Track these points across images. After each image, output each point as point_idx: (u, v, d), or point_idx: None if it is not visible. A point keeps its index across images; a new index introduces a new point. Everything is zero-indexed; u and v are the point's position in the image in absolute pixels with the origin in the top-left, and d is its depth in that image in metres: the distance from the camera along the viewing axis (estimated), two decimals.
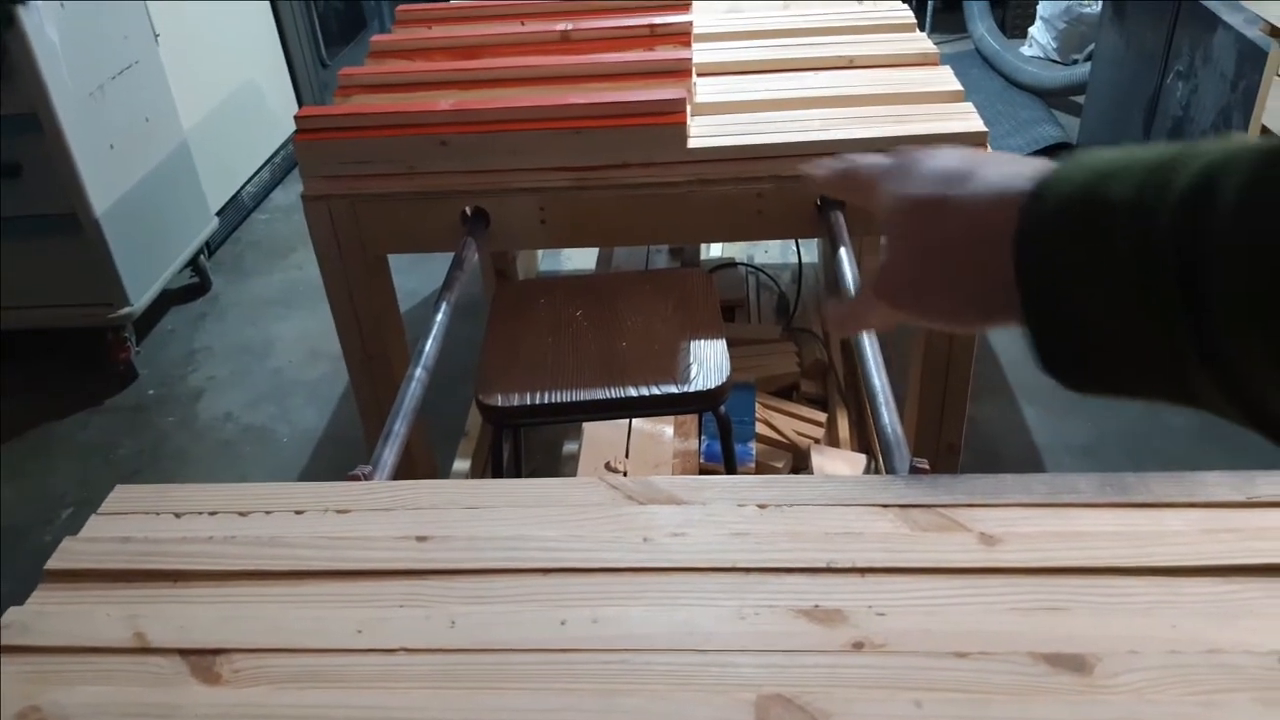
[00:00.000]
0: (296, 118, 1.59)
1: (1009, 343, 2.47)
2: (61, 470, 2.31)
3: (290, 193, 3.58)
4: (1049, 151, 3.38)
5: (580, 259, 2.98)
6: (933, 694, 0.69)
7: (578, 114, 1.54)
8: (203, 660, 0.77)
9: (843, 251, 1.37)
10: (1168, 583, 0.78)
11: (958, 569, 0.80)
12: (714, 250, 2.86)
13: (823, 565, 0.81)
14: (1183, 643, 0.72)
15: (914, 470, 0.95)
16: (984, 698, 0.69)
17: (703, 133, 1.55)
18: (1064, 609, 0.76)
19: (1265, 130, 2.11)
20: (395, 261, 1.71)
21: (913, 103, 1.61)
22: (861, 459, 2.03)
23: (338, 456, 2.23)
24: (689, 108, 1.56)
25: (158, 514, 0.93)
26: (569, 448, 2.14)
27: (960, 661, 0.72)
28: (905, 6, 2.02)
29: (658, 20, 1.84)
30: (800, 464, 2.04)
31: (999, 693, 0.69)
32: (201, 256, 2.94)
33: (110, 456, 2.35)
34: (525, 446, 2.00)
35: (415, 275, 2.75)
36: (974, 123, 1.52)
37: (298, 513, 0.92)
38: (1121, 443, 2.11)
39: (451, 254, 1.49)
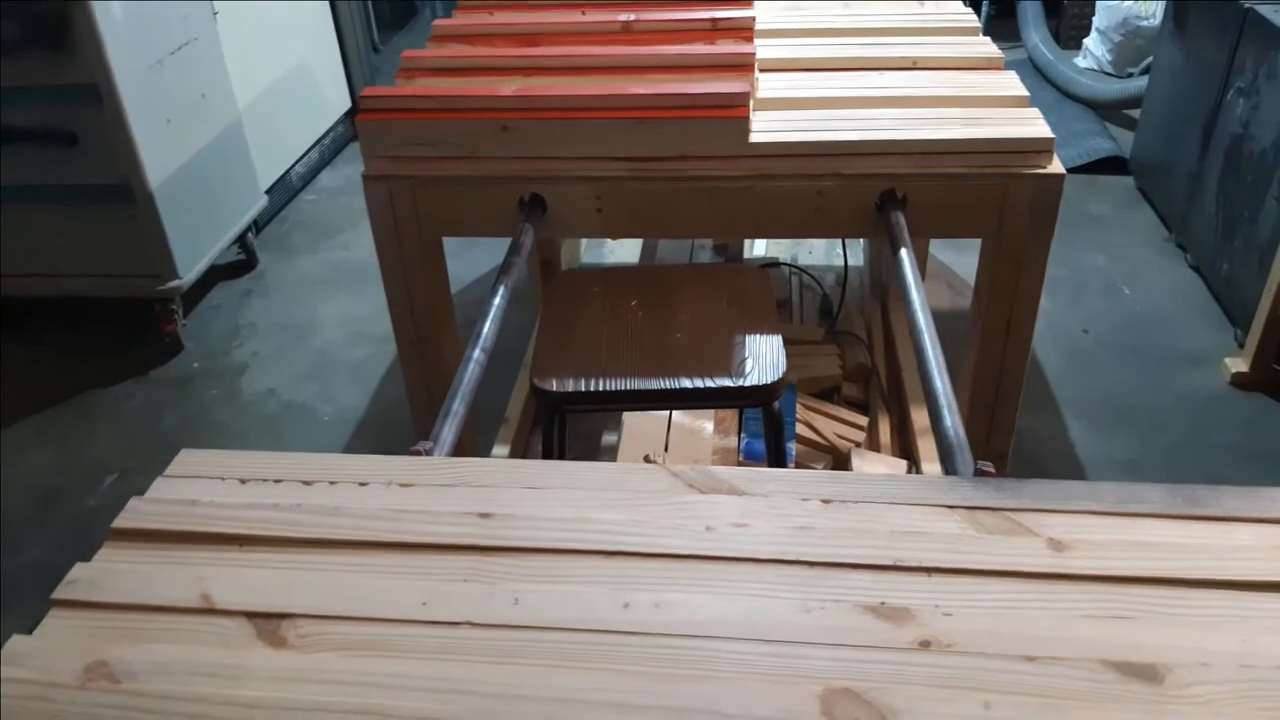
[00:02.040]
0: (360, 97, 1.60)
1: (1055, 355, 2.45)
2: (105, 438, 2.34)
3: (338, 175, 3.61)
4: (1101, 165, 3.34)
5: (623, 252, 2.98)
6: (1002, 696, 0.69)
7: (639, 104, 1.54)
8: (268, 624, 0.78)
9: (903, 252, 1.36)
10: (1238, 597, 0.77)
11: (1026, 573, 0.80)
12: (758, 249, 2.86)
13: (889, 563, 0.81)
14: (1254, 657, 0.71)
15: (979, 473, 0.94)
16: (1055, 703, 0.68)
17: (764, 128, 1.54)
18: (1133, 618, 0.75)
19: None
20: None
21: (977, 106, 1.59)
22: (902, 465, 2.02)
23: (380, 437, 2.24)
24: (751, 102, 1.55)
25: (223, 479, 0.94)
26: (608, 439, 2.14)
27: (1029, 665, 0.71)
28: (968, 10, 2.00)
29: (720, 14, 1.84)
30: (840, 467, 2.03)
31: (1069, 698, 0.68)
32: (250, 234, 2.96)
33: (154, 427, 2.38)
34: (567, 435, 2.00)
35: (458, 261, 2.76)
36: (1040, 128, 1.50)
37: (361, 484, 0.93)
38: (1167, 459, 2.08)
39: (503, 239, 1.49)
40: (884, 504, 0.87)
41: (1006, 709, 0.67)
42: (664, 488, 0.92)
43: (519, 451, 2.10)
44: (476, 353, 1.20)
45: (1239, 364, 2.34)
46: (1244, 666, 0.71)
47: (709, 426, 2.01)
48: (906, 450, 2.07)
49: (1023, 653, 0.72)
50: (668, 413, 1.99)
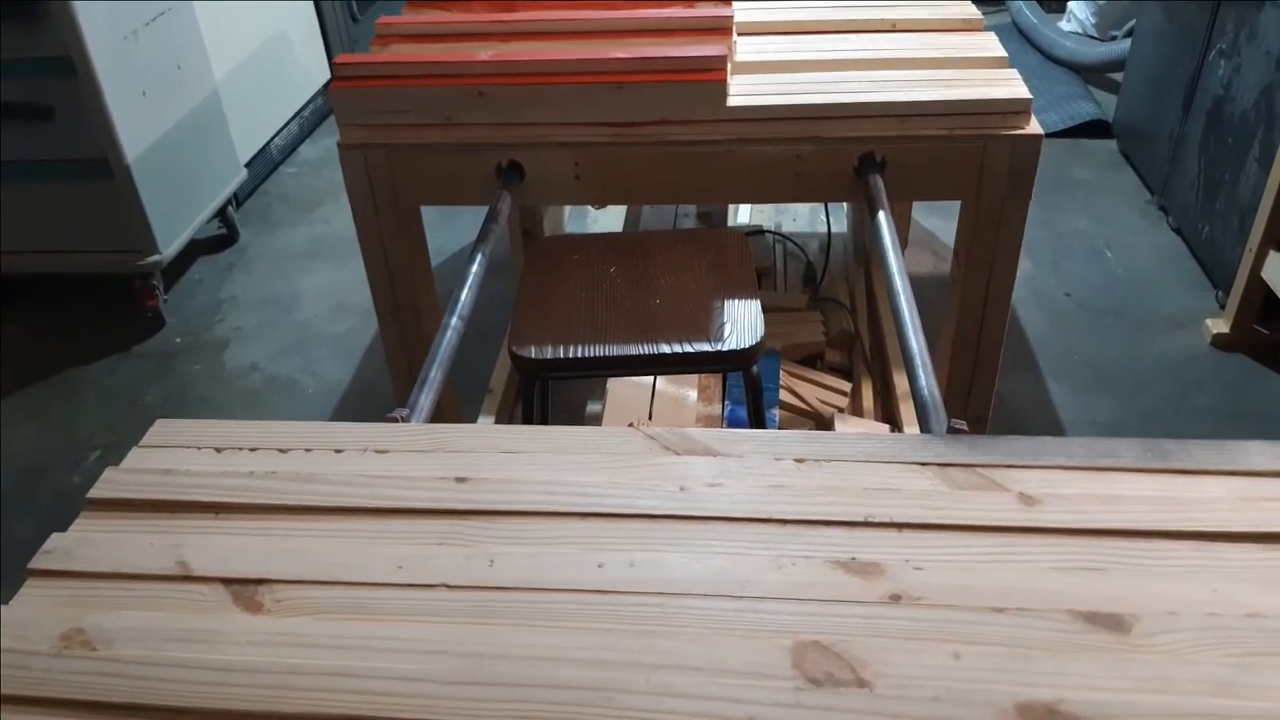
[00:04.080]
0: (334, 64, 1.59)
1: (1037, 318, 2.46)
2: (88, 414, 2.33)
3: (318, 147, 3.58)
4: (1085, 129, 3.33)
5: (606, 221, 2.97)
6: (971, 647, 0.69)
7: (617, 69, 1.53)
8: (245, 589, 0.78)
9: (881, 215, 1.36)
10: (1207, 548, 0.78)
11: (996, 527, 0.80)
12: (741, 217, 2.85)
13: (860, 519, 0.82)
14: (1221, 606, 0.72)
15: (952, 431, 0.94)
16: (1022, 652, 0.69)
17: (743, 91, 1.53)
18: (1103, 570, 0.76)
19: None
20: (423, 218, 1.70)
21: (956, 67, 1.58)
22: (884, 429, 2.03)
23: (363, 409, 2.24)
24: (729, 65, 1.55)
25: (198, 448, 0.94)
26: (592, 408, 2.14)
27: (998, 616, 0.72)
28: None
29: None
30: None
31: (1037, 648, 0.69)
32: (230, 208, 2.94)
33: (137, 402, 2.37)
34: (550, 405, 2.00)
35: (441, 232, 2.75)
36: (1018, 89, 1.50)
37: (337, 451, 0.93)
38: (1147, 421, 2.10)
39: (482, 209, 1.49)
40: (857, 462, 0.88)
41: (975, 659, 0.68)
42: (639, 450, 0.92)
43: (503, 421, 2.10)
44: (454, 320, 1.19)
45: (1220, 325, 2.35)
46: (1211, 615, 0.72)
47: (693, 394, 2.02)
48: (889, 415, 2.08)
49: (992, 604, 0.72)
50: (652, 380, 2.00)
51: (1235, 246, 2.34)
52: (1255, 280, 2.24)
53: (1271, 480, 0.84)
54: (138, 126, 2.47)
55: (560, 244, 1.62)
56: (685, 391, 2.00)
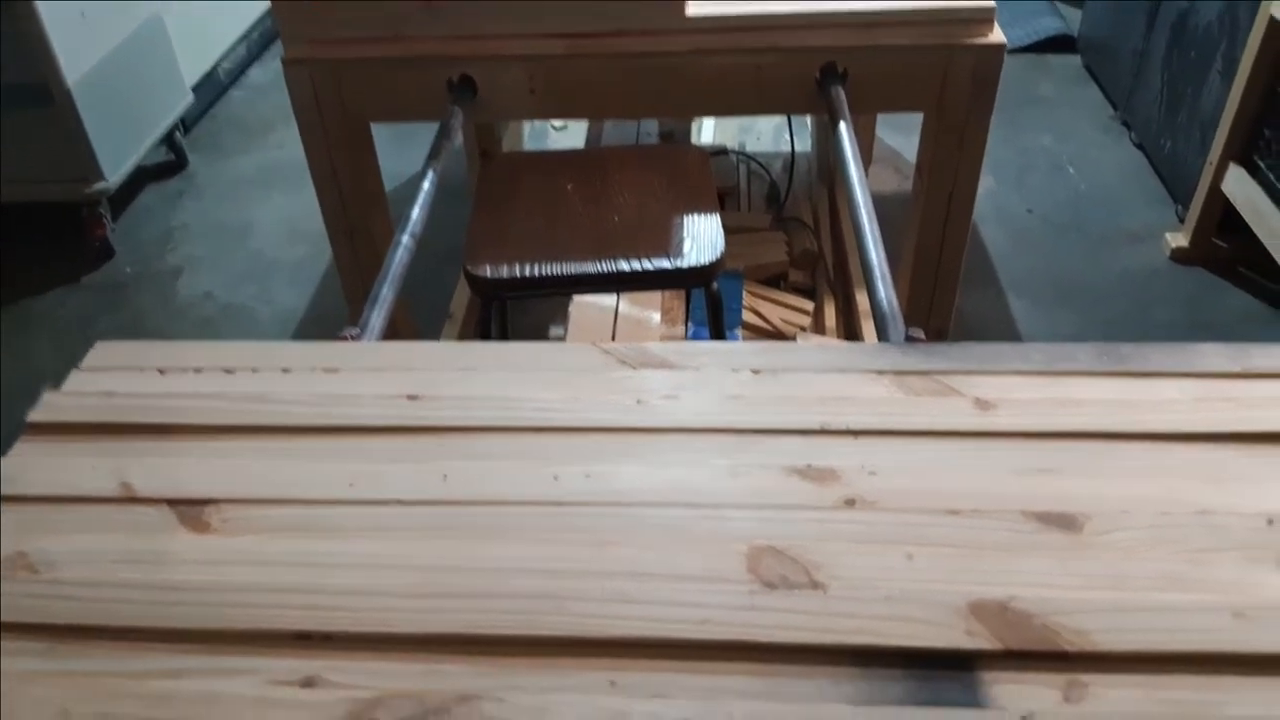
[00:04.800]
0: None
1: (999, 235, 2.45)
2: (40, 347, 2.28)
3: (268, 70, 3.47)
4: (1050, 44, 3.30)
5: (566, 142, 2.91)
6: (923, 549, 0.70)
7: None
8: (191, 510, 0.77)
9: (842, 126, 1.34)
10: (1160, 448, 0.78)
11: (951, 432, 0.80)
12: (705, 136, 2.80)
13: (816, 427, 0.81)
14: (1173, 504, 0.73)
15: (909, 340, 0.94)
16: (974, 552, 0.69)
17: (701, 0, 1.49)
18: (1056, 471, 0.76)
19: (1272, 22, 2.06)
20: (378, 143, 1.65)
21: None
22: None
23: (320, 337, 2.18)
24: None
25: (141, 370, 0.91)
26: (554, 332, 2.13)
27: (952, 519, 0.72)
28: None
29: None
30: None
31: (990, 548, 0.69)
32: (177, 133, 2.85)
33: (88, 333, 2.31)
34: (510, 329, 1.98)
35: (400, 158, 2.68)
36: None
37: (285, 371, 0.90)
38: (1107, 335, 2.11)
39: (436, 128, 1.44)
40: (813, 371, 0.87)
41: (928, 560, 0.68)
42: (595, 365, 0.91)
43: None
44: (404, 238, 1.16)
45: (1179, 239, 2.36)
46: (1163, 514, 0.72)
47: (655, 316, 2.00)
48: (851, 333, 2.08)
49: (945, 507, 0.72)
50: (614, 302, 1.98)
51: (1196, 160, 2.34)
52: (1215, 194, 2.24)
53: (1226, 381, 0.84)
54: (77, 49, 2.37)
55: (516, 161, 1.58)
56: (648, 313, 1.99)
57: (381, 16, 1.48)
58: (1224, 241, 2.32)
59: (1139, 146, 2.76)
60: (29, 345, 2.30)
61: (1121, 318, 2.19)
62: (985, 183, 1.57)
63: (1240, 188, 2.17)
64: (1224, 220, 2.28)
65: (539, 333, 2.11)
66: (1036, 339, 2.14)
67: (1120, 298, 2.25)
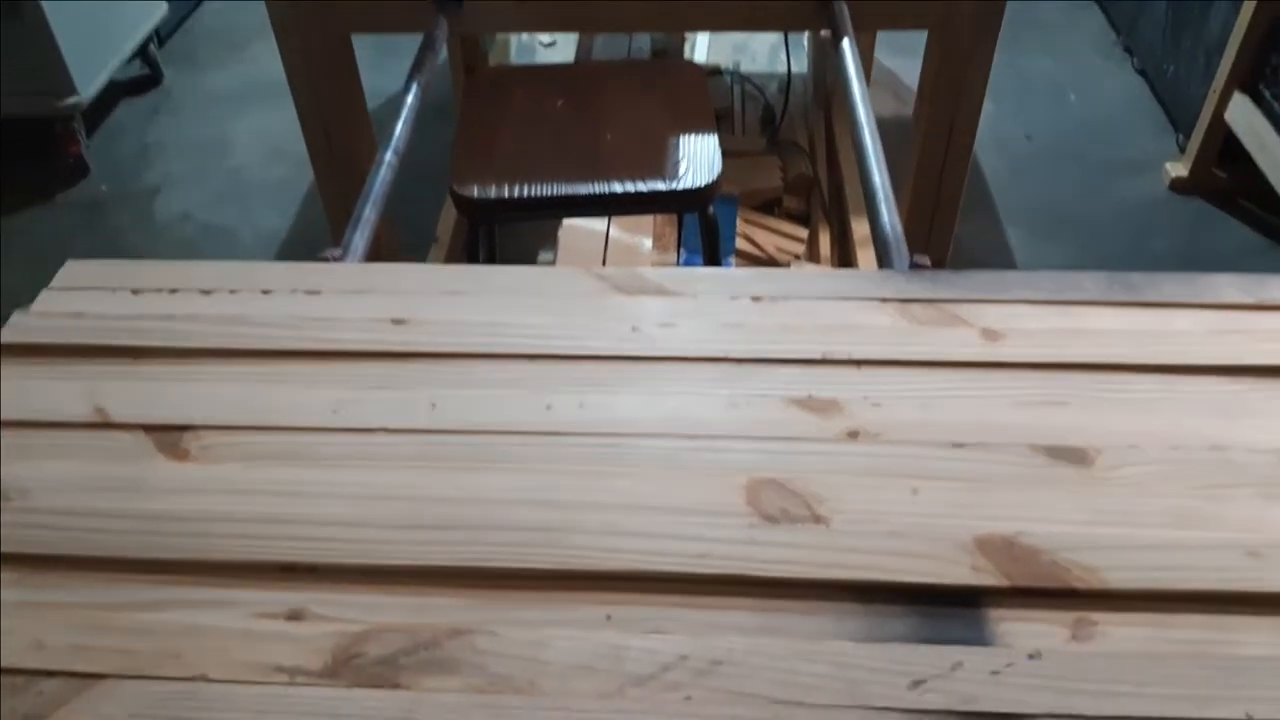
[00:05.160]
0: None
1: (997, 161, 2.41)
2: (13, 267, 2.22)
3: None
4: None
5: (556, 59, 2.82)
6: (929, 482, 0.67)
7: None
8: (168, 436, 0.74)
9: (845, 44, 1.28)
10: (1172, 380, 0.76)
11: (957, 362, 0.77)
12: (698, 55, 2.72)
13: (818, 357, 0.78)
14: (1185, 438, 0.71)
15: (914, 267, 0.91)
16: (982, 486, 0.67)
17: None
18: (1065, 403, 0.74)
19: None
20: (361, 58, 1.58)
21: None
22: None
23: (302, 259, 2.15)
24: None
25: (113, 290, 0.87)
26: (543, 257, 2.08)
27: (958, 452, 0.70)
28: None
29: None
30: None
31: (997, 482, 0.67)
32: (151, 46, 2.75)
33: (64, 254, 2.24)
34: (498, 255, 1.94)
35: (382, 73, 2.59)
36: None
37: (264, 293, 0.87)
38: (1105, 264, 2.07)
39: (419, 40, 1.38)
40: (815, 299, 0.84)
41: (933, 494, 0.66)
42: (589, 290, 0.88)
43: None
44: (388, 155, 1.12)
45: (1179, 169, 2.32)
46: (1174, 448, 0.70)
47: (647, 242, 1.96)
48: (846, 261, 2.05)
49: (951, 440, 0.70)
50: (605, 227, 1.93)
51: (1199, 87, 2.28)
52: (1217, 122, 2.20)
53: (1239, 313, 0.82)
54: None
55: (502, 75, 1.52)
56: (639, 239, 1.95)
57: None
58: (1224, 172, 2.28)
59: (1141, 73, 2.70)
60: (2, 264, 2.24)
61: (1118, 249, 2.16)
62: (984, 108, 1.52)
63: (1244, 116, 2.12)
64: (1225, 150, 2.24)
65: (527, 257, 2.07)
66: (1032, 268, 2.11)
67: (1117, 228, 2.22)
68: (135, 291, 0.87)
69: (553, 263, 1.93)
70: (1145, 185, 2.34)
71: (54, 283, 0.89)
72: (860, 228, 2.01)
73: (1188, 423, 0.72)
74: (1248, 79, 2.13)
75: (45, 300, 0.87)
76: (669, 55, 2.55)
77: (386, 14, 1.47)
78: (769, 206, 2.19)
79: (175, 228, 2.33)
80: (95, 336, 0.82)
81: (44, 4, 2.26)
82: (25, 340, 0.82)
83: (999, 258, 2.14)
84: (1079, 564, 0.61)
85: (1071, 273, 0.86)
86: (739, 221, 2.07)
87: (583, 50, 2.57)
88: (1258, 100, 2.10)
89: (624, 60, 2.40)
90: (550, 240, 1.98)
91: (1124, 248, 2.16)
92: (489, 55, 2.37)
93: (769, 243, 2.06)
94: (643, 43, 2.57)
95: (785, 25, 1.76)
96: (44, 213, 2.39)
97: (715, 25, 2.24)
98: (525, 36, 2.85)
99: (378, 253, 1.07)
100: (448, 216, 2.09)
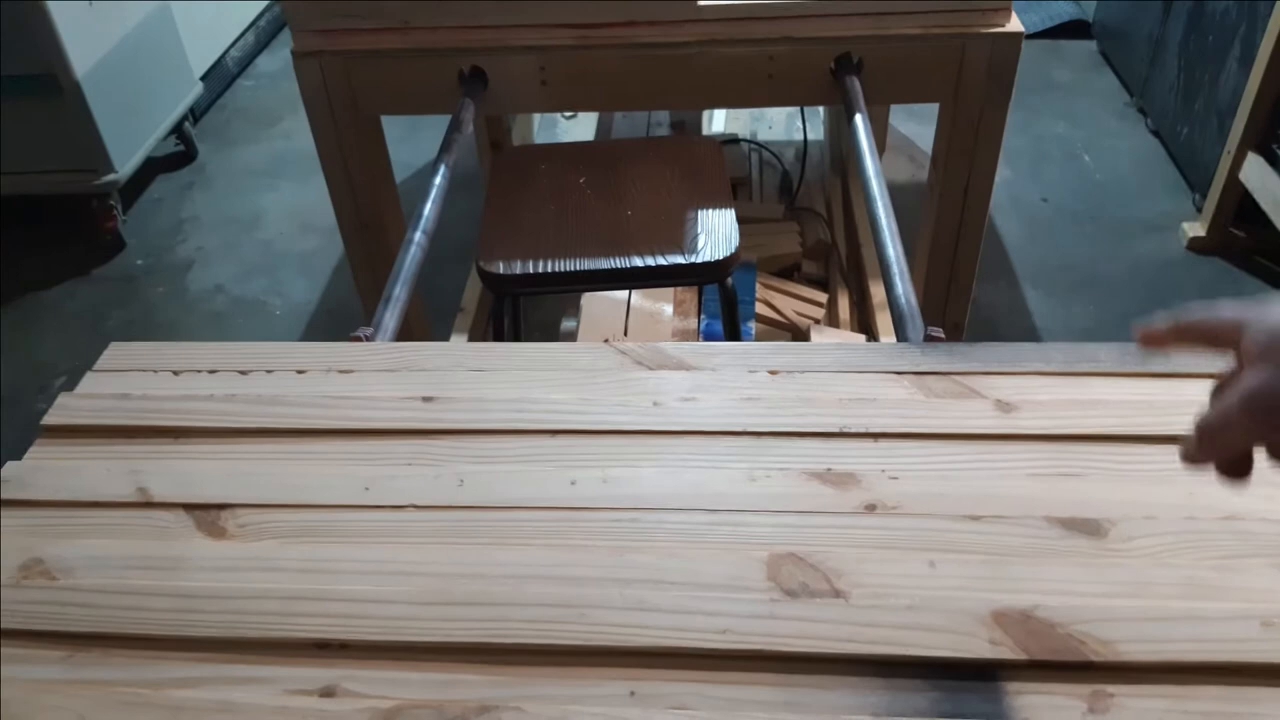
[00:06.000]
0: None
1: (1014, 224, 2.44)
2: (51, 340, 2.28)
3: (276, 59, 3.46)
4: (1065, 30, 3.27)
5: (577, 133, 2.89)
6: (946, 555, 0.69)
7: None
8: (207, 515, 0.76)
9: (858, 119, 1.32)
10: None
11: (972, 435, 0.79)
12: (716, 125, 2.79)
13: (835, 430, 0.80)
14: (1199, 509, 0.72)
15: (929, 339, 0.93)
16: (998, 559, 0.68)
17: None
18: (1080, 475, 0.75)
19: None
20: (390, 131, 1.65)
21: None
22: (861, 339, 2.02)
23: (332, 329, 2.21)
24: None
25: (155, 371, 0.91)
26: (566, 325, 2.12)
27: (974, 524, 0.71)
28: None
29: None
30: None
31: (1013, 554, 0.69)
32: (186, 124, 2.85)
33: (100, 326, 2.32)
34: (523, 322, 1.97)
35: (408, 146, 2.67)
36: None
37: (299, 372, 0.90)
38: (1124, 326, 2.09)
39: (447, 120, 1.43)
40: (832, 372, 0.86)
41: (950, 567, 0.67)
42: (611, 365, 0.90)
43: (476, 340, 2.08)
44: (417, 235, 1.15)
45: (1196, 228, 2.34)
46: (1189, 518, 0.71)
47: (668, 309, 1.99)
48: (865, 325, 2.07)
49: (967, 512, 0.72)
50: (626, 296, 1.97)
51: (1214, 148, 2.31)
52: (1233, 182, 2.22)
53: None
54: (86, 39, 2.36)
55: (526, 154, 1.57)
56: (660, 306, 1.98)
57: (391, 6, 1.47)
58: (1241, 231, 2.29)
59: (1155, 134, 2.74)
60: (39, 338, 2.31)
61: (1138, 309, 2.17)
62: (1000, 171, 1.56)
63: (1259, 177, 2.15)
64: (1241, 209, 2.26)
65: (551, 326, 2.11)
66: (1051, 330, 2.12)
67: (1137, 288, 2.23)
68: (176, 372, 0.90)
69: (576, 330, 1.96)
70: (1163, 245, 2.35)
71: (98, 364, 0.93)
72: (879, 292, 2.04)
73: (1201, 493, 0.72)
74: (1261, 140, 2.16)
75: (90, 382, 0.91)
76: (687, 126, 2.61)
77: (415, 96, 1.52)
78: (788, 271, 2.23)
79: (208, 300, 2.39)
80: (137, 417, 0.85)
81: (84, 85, 2.35)
82: (71, 421, 0.86)
83: (1017, 319, 2.15)
84: (1095, 637, 0.62)
85: (1084, 344, 0.88)
86: (758, 287, 2.11)
87: (604, 123, 2.64)
88: (1271, 161, 2.13)
89: (643, 139, 2.47)
90: (573, 308, 2.02)
91: (1143, 308, 2.16)
92: (512, 129, 2.43)
93: (788, 307, 2.09)
94: (661, 116, 2.64)
95: (799, 100, 1.80)
96: (79, 287, 2.46)
97: (731, 102, 2.31)
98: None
99: (407, 326, 1.10)
100: (473, 288, 2.14)
